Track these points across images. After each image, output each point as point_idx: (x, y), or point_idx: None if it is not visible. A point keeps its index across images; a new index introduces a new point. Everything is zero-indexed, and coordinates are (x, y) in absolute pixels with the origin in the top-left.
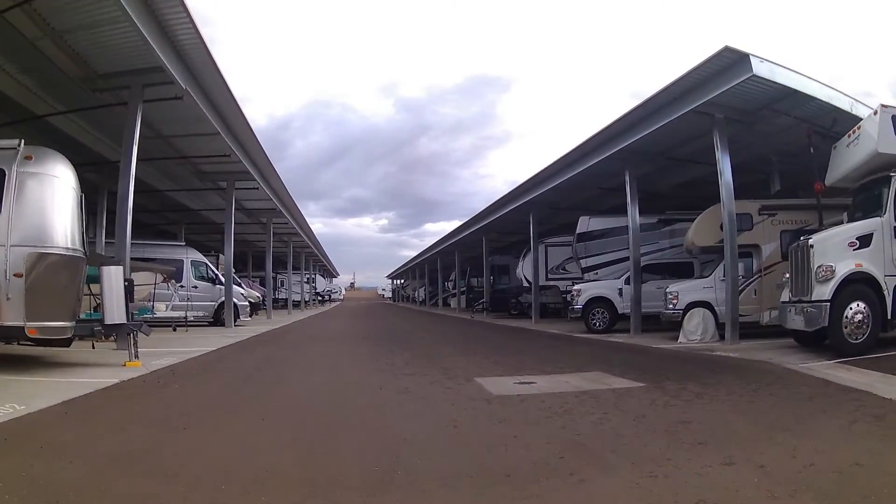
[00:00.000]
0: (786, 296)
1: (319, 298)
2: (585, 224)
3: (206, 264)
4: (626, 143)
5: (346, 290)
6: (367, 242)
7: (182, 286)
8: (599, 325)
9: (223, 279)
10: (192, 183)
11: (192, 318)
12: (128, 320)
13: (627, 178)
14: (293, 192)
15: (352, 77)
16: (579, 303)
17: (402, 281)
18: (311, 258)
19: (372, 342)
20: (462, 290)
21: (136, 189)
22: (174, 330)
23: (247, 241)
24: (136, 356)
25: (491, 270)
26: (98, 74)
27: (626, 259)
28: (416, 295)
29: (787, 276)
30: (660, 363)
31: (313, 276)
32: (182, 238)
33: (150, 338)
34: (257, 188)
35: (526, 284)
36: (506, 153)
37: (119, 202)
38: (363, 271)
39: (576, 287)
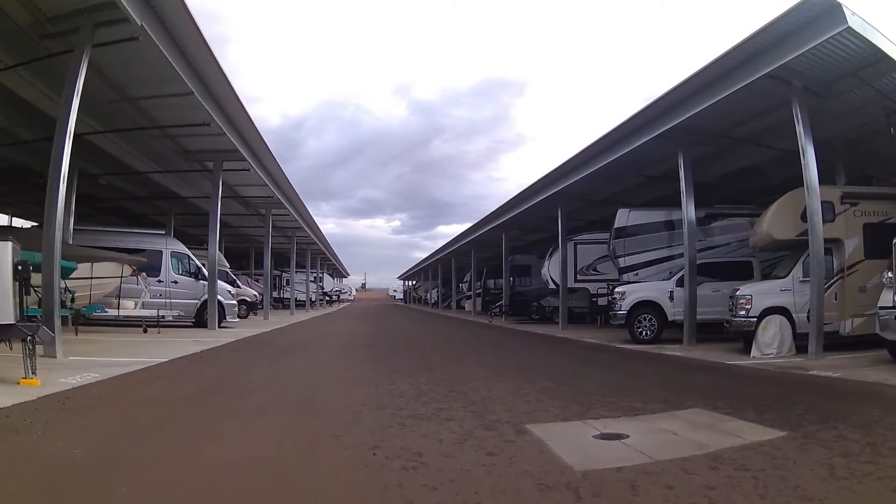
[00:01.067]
0: (887, 300)
1: (327, 299)
2: (625, 217)
3: (189, 256)
4: (680, 120)
5: (356, 290)
6: (379, 244)
7: (160, 280)
8: (646, 333)
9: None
10: (177, 163)
11: (171, 318)
12: (18, 320)
13: (681, 162)
14: (306, 191)
15: (366, 78)
16: (623, 307)
17: (414, 282)
18: (319, 256)
19: (374, 354)
20: (478, 292)
21: (116, 171)
22: (144, 331)
23: (247, 235)
24: (34, 371)
25: (510, 271)
26: (47, 17)
27: (670, 258)
28: (429, 297)
29: (890, 274)
30: (761, 391)
31: (320, 274)
32: (171, 229)
33: (105, 341)
34: (248, 170)
35: (552, 286)
36: (519, 156)
37: (52, 165)
38: (375, 272)
39: (619, 289)
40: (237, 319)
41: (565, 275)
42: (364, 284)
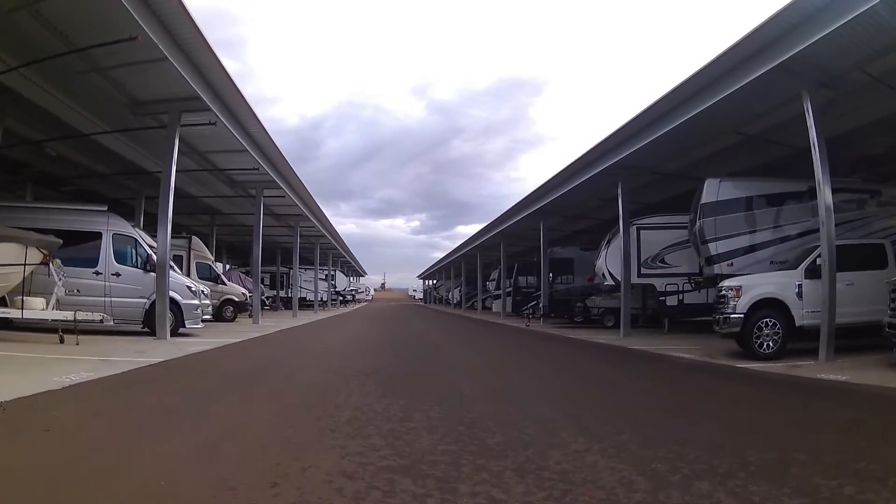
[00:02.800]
0: None
1: (340, 298)
2: (714, 190)
3: (137, 240)
4: (806, 45)
5: (375, 290)
6: (398, 244)
7: (97, 273)
8: (769, 345)
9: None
10: (126, 120)
11: (115, 321)
12: None
13: (808, 107)
14: (325, 191)
15: (384, 78)
16: (739, 308)
17: (435, 281)
18: (330, 251)
19: (375, 390)
20: (508, 290)
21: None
22: (61, 341)
23: (244, 225)
24: None
25: (549, 266)
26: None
27: (778, 242)
28: (451, 296)
29: None
30: None
31: (332, 272)
32: (141, 215)
33: None
34: (214, 124)
35: (610, 282)
36: (538, 156)
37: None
38: (394, 272)
39: (730, 283)
40: (202, 325)
41: (629, 268)
42: (383, 284)
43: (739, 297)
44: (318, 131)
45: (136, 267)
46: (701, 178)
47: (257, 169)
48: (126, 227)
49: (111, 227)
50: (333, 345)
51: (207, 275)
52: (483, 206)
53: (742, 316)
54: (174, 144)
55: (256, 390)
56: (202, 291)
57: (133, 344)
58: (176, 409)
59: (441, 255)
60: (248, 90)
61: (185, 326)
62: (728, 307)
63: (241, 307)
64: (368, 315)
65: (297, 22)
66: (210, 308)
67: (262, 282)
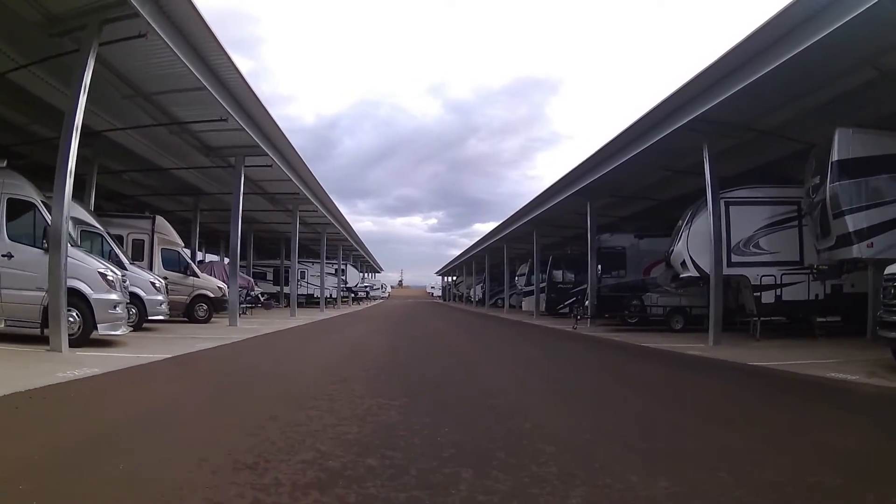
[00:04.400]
0: None
1: (352, 295)
2: (846, 144)
3: (38, 207)
4: None
5: (392, 287)
6: (416, 241)
7: None
8: None
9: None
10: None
11: (6, 322)
12: None
13: None
14: (343, 189)
15: (400, 77)
16: None
17: (455, 277)
18: (341, 243)
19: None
20: (541, 286)
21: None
22: None
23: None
24: None
25: (597, 257)
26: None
27: None
28: (472, 293)
29: None
30: None
31: (342, 266)
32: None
33: None
34: (145, 35)
35: (693, 273)
36: (554, 155)
37: None
38: (412, 270)
39: None
40: (124, 332)
41: (720, 252)
42: (401, 282)
43: None
44: (334, 130)
45: (35, 246)
46: (801, 141)
47: (226, 120)
48: (25, 187)
49: (5, 188)
50: (316, 364)
51: (176, 262)
52: (500, 204)
53: None
54: (85, 72)
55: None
56: (154, 283)
57: None
58: None
59: (458, 252)
60: (264, 88)
61: (97, 330)
62: None
63: (218, 304)
64: (381, 315)
65: (313, 20)
66: (165, 306)
67: (264, 277)
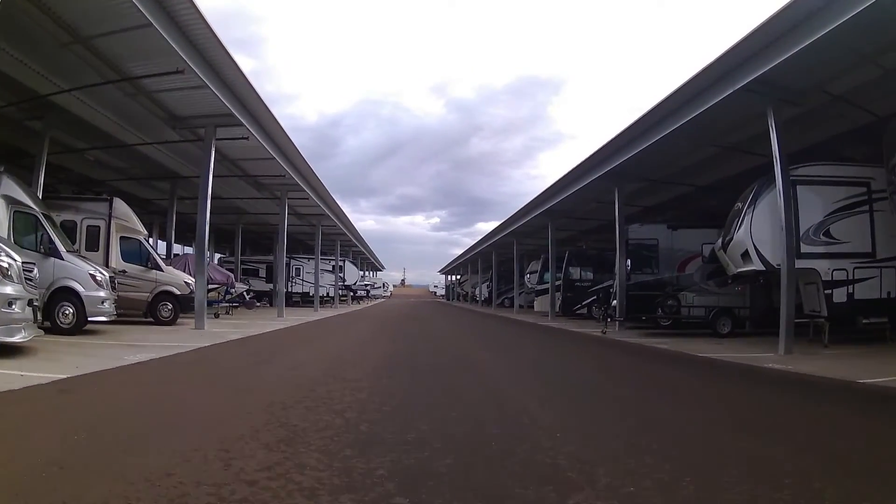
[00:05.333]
0: None
1: (351, 294)
2: None
3: None
4: None
5: (395, 286)
6: (419, 240)
7: None
8: None
9: None
10: None
11: None
12: None
13: None
14: (346, 188)
15: (404, 76)
16: None
17: (459, 276)
18: (338, 238)
19: None
20: (557, 285)
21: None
22: None
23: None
24: None
25: (626, 251)
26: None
27: None
28: (478, 293)
29: None
30: None
31: (340, 262)
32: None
33: None
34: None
35: (756, 266)
36: (556, 154)
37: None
38: (414, 269)
39: None
40: (21, 338)
41: (791, 241)
42: (403, 280)
43: None
44: (337, 129)
45: None
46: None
47: (182, 71)
48: None
49: None
50: (259, 403)
51: (137, 255)
52: (503, 203)
53: None
54: None
55: None
56: (94, 276)
57: None
58: None
59: (461, 251)
60: (268, 87)
61: None
62: None
63: (185, 303)
64: (381, 315)
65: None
66: (110, 304)
67: (257, 274)
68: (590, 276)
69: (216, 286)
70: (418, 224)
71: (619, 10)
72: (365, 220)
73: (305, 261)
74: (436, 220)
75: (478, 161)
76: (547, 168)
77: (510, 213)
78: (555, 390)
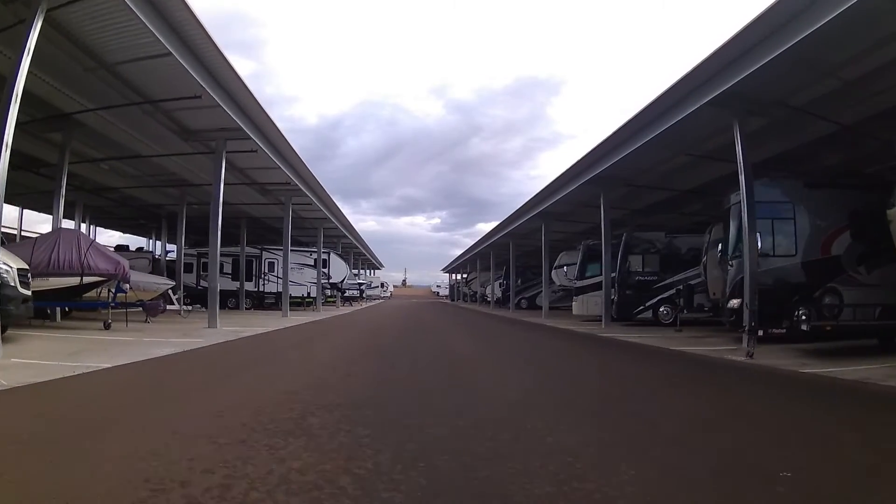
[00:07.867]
0: None
1: (339, 294)
2: None
3: None
4: None
5: (395, 286)
6: (420, 241)
7: None
8: None
9: None
10: None
11: None
12: None
13: None
14: (346, 189)
15: (403, 78)
16: None
17: (466, 274)
18: (322, 224)
19: None
20: (612, 279)
21: None
22: None
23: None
24: None
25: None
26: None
27: None
28: (488, 293)
29: None
30: None
31: (324, 254)
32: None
33: None
34: None
35: None
36: (556, 155)
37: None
38: (416, 269)
39: None
40: None
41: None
42: (404, 281)
43: None
44: (337, 130)
45: None
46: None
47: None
48: None
49: None
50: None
51: None
52: (503, 204)
53: None
54: None
55: None
56: None
57: None
58: None
59: (461, 252)
60: (268, 90)
61: None
62: None
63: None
64: (371, 324)
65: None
66: None
67: (222, 269)
68: (655, 268)
69: (98, 279)
70: (419, 225)
71: (618, 10)
72: (366, 221)
73: (281, 254)
74: (436, 220)
75: (478, 162)
76: (547, 168)
77: (510, 213)
78: None
